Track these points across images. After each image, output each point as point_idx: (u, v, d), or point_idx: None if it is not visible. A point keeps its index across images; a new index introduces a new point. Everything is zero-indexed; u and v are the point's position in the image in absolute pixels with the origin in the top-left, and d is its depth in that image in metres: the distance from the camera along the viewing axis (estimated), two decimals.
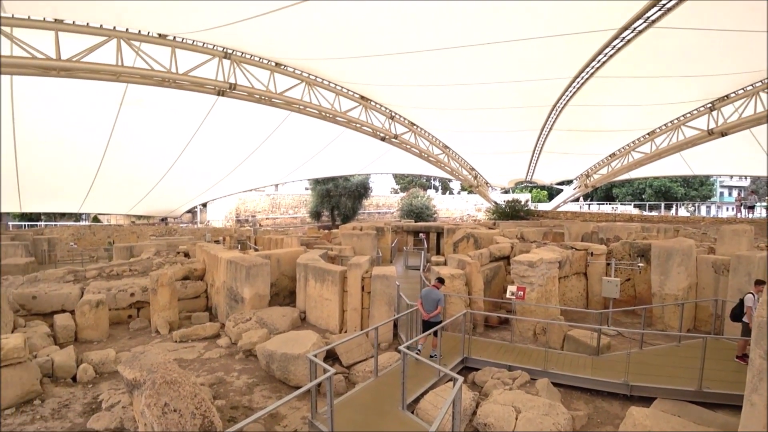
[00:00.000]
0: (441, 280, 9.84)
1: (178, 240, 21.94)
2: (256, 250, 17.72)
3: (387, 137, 24.22)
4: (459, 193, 62.51)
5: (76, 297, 12.02)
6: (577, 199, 42.18)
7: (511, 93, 19.42)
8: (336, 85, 20.96)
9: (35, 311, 11.81)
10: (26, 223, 39.25)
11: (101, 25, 14.51)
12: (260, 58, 17.90)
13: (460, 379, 5.59)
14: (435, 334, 8.75)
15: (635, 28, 13.60)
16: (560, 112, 22.34)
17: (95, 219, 44.63)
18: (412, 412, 6.95)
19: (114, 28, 14.64)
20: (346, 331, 11.38)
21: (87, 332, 11.14)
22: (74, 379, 8.65)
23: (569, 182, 38.21)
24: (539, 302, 11.59)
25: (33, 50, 13.80)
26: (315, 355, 6.47)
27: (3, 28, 13.46)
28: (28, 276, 13.87)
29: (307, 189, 46.48)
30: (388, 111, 23.97)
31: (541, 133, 26.26)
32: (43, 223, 38.87)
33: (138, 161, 25.75)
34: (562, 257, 12.81)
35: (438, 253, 23.92)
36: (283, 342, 9.17)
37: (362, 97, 22.33)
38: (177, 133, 23.60)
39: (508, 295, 11.29)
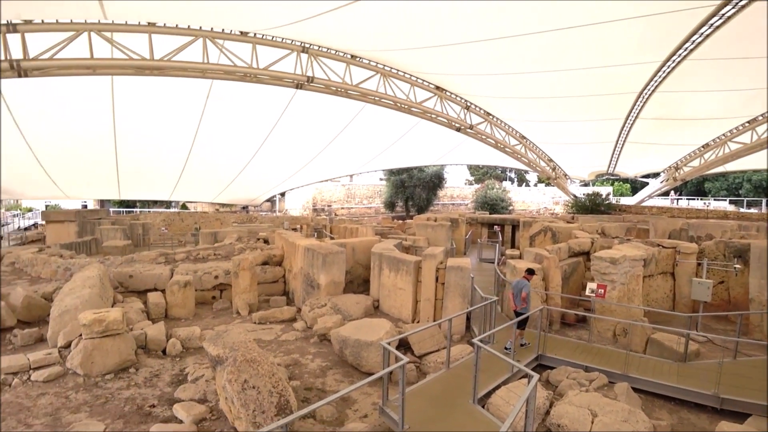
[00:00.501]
0: (531, 272, 9.92)
1: (258, 227, 22.92)
2: (332, 238, 18.18)
3: (462, 128, 23.90)
4: (535, 185, 60.62)
5: (166, 277, 12.93)
6: (665, 194, 39.57)
7: (592, 80, 18.43)
8: (411, 75, 20.93)
9: (131, 289, 12.84)
10: (124, 210, 42.61)
11: (189, 26, 15.41)
12: (336, 51, 18.23)
13: (536, 376, 5.46)
14: (519, 325, 8.67)
15: (737, 3, 12.43)
16: (647, 99, 20.89)
17: (183, 206, 47.58)
18: (483, 407, 6.87)
19: (200, 28, 15.50)
20: (418, 321, 11.43)
21: (175, 310, 11.96)
22: (164, 351, 9.33)
23: (655, 175, 35.91)
24: (621, 301, 11.04)
25: (130, 52, 14.92)
26: (389, 344, 6.55)
27: (105, 33, 14.70)
28: (125, 257, 15.06)
29: (381, 179, 46.85)
30: (463, 101, 23.63)
31: (625, 123, 24.78)
32: (137, 210, 42.02)
33: (222, 153, 27.12)
34: (647, 255, 12.08)
35: (512, 246, 23.40)
36: (357, 328, 9.37)
37: (437, 87, 22.16)
38: (258, 126, 24.58)
39: (587, 292, 10.84)
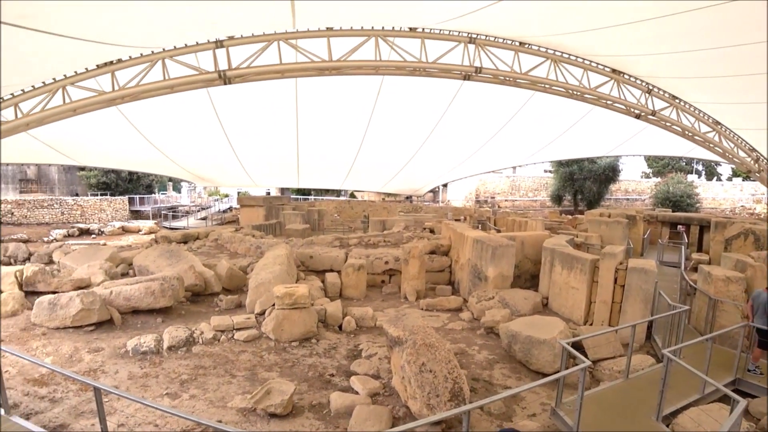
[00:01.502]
0: None
1: (423, 217, 23.47)
2: (498, 231, 17.82)
3: (642, 114, 21.50)
4: (729, 179, 52.46)
5: (341, 260, 13.89)
6: None
7: None
8: (584, 59, 19.41)
9: (311, 268, 14.05)
10: (301, 197, 46.87)
11: (362, 27, 16.30)
12: (504, 39, 17.66)
13: (743, 402, 4.73)
14: (760, 345, 7.72)
15: None
16: None
17: (352, 195, 50.81)
18: (668, 426, 6.16)
19: (372, 27, 16.28)
20: (591, 324, 10.67)
21: (349, 290, 12.80)
22: (340, 327, 10.04)
23: None
24: None
25: (312, 55, 16.33)
26: (568, 344, 6.20)
27: (291, 41, 16.22)
28: (306, 239, 16.54)
29: (546, 171, 44.74)
30: (644, 84, 21.22)
31: None
32: (312, 197, 45.90)
33: (389, 145, 28.25)
34: None
35: (700, 249, 20.57)
36: (528, 325, 9.05)
37: (614, 71, 20.20)
38: (424, 119, 25.05)
39: None
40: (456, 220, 23.74)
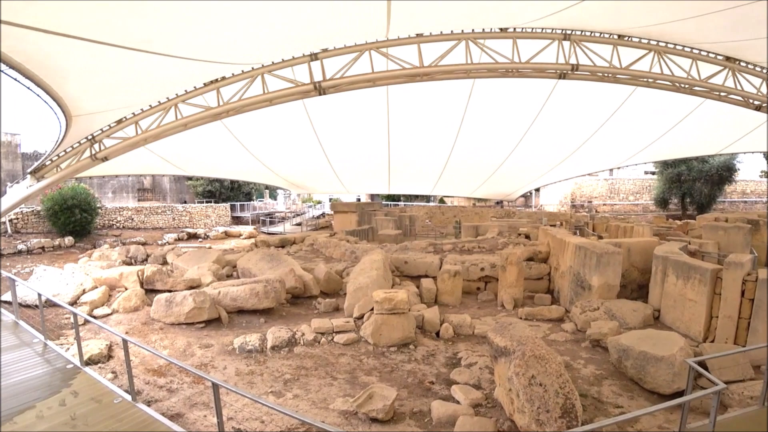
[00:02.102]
0: None
1: (517, 222, 22.72)
2: (599, 237, 16.81)
3: (764, 105, 19.36)
4: None
5: (436, 266, 13.76)
6: None
7: None
8: (692, 48, 17.77)
9: (405, 273, 14.05)
10: (390, 203, 47.35)
11: (452, 31, 16.09)
12: (601, 33, 16.65)
13: None
14: None
15: None
16: None
17: (441, 200, 50.51)
18: None
19: (462, 31, 16.02)
20: (712, 341, 9.67)
21: (445, 297, 12.60)
22: (437, 334, 9.87)
23: None
24: None
25: (402, 62, 16.37)
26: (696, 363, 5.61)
27: (382, 49, 16.43)
28: (400, 245, 16.59)
29: (647, 173, 41.65)
30: (764, 71, 19.07)
31: None
32: (401, 203, 46.18)
33: (481, 150, 27.71)
34: None
35: None
36: (641, 339, 8.36)
37: (727, 58, 18.27)
38: (516, 122, 24.31)
39: None
40: (551, 225, 22.74)
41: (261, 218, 37.52)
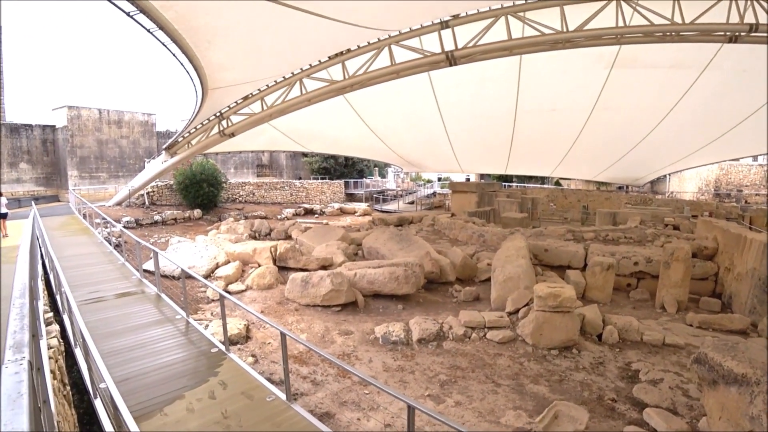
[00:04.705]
0: None
1: (659, 211, 20.24)
2: (759, 232, 14.27)
3: None
4: None
5: (581, 256, 12.34)
6: None
7: None
8: None
9: (544, 262, 12.76)
10: (504, 184, 45.24)
11: None
12: None
13: None
14: None
15: None
16: None
17: (557, 183, 47.44)
18: None
19: None
20: None
21: (593, 292, 11.19)
22: (599, 337, 8.58)
23: None
24: None
25: (543, 27, 14.71)
26: None
27: (519, 13, 14.97)
28: (535, 230, 15.25)
29: None
30: None
31: None
32: (515, 184, 43.88)
33: (615, 128, 25.14)
34: None
35: None
36: None
37: None
38: (660, 97, 21.58)
39: None
40: (693, 216, 19.98)
41: (375, 196, 37.56)
